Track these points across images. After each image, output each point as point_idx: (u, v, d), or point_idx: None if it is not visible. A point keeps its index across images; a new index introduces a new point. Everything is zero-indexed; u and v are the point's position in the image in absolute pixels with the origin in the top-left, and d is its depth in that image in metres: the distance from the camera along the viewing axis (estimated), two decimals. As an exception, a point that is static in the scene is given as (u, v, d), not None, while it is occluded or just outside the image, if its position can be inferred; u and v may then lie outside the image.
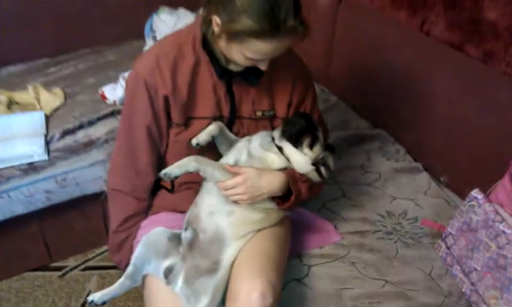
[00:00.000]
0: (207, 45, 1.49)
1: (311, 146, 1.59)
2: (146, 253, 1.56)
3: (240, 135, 1.63)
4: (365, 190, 2.20)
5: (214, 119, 1.58)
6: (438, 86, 2.15)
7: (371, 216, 2.06)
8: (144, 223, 1.71)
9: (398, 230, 2.01)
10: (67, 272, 2.78)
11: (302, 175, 1.58)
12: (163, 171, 1.46)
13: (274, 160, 1.57)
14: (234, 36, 1.34)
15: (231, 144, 1.61)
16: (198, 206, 1.59)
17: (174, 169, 1.47)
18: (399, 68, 2.31)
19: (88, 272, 2.53)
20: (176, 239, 1.58)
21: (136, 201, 1.69)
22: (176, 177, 1.48)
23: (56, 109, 2.61)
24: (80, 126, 2.43)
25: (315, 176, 1.61)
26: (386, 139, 2.51)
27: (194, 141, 1.56)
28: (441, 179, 2.25)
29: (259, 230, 1.57)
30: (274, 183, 1.53)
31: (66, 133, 2.42)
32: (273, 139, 1.59)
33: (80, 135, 2.41)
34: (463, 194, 1.93)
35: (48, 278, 2.64)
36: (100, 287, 2.59)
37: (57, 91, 2.97)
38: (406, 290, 1.70)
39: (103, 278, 2.53)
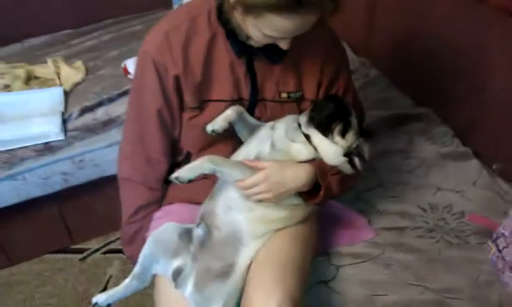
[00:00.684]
0: (223, 17, 1.35)
1: (343, 134, 1.43)
2: (154, 251, 1.47)
3: (263, 119, 1.50)
4: (405, 179, 2.04)
5: (233, 102, 1.45)
6: (494, 60, 1.99)
7: (411, 209, 1.90)
8: (157, 214, 1.62)
9: (441, 227, 1.85)
10: (88, 255, 2.72)
11: (332, 167, 1.44)
12: (174, 175, 1.36)
13: (301, 150, 1.44)
14: (249, 8, 1.21)
15: (252, 130, 1.48)
16: (214, 199, 1.47)
17: (186, 172, 1.36)
18: (449, 39, 2.16)
19: (109, 255, 2.49)
20: (187, 236, 1.48)
21: (148, 190, 1.60)
22: (190, 181, 1.37)
23: (77, 84, 2.55)
24: (100, 104, 2.34)
25: (347, 168, 1.46)
26: (432, 120, 2.34)
27: (209, 128, 1.44)
28: (494, 167, 2.07)
29: (280, 228, 1.44)
30: (300, 177, 1.40)
31: (85, 111, 2.35)
32: (300, 125, 1.45)
33: (100, 113, 2.33)
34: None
35: (70, 261, 2.55)
36: (122, 272, 2.53)
37: (79, 64, 2.87)
38: (447, 298, 1.56)
39: (124, 263, 2.47)
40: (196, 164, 1.35)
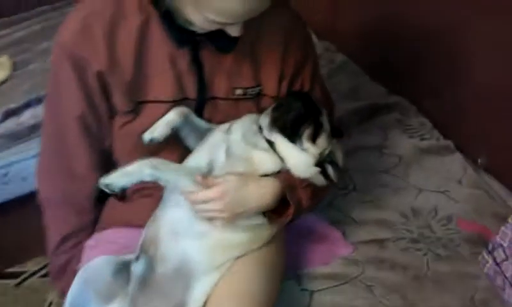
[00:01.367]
0: (159, -2, 1.16)
1: (313, 139, 1.31)
2: (84, 293, 1.29)
3: (215, 122, 1.37)
4: (382, 180, 1.92)
5: (175, 103, 1.30)
6: (475, 42, 1.90)
7: (391, 216, 1.77)
8: (89, 242, 1.45)
9: (427, 237, 1.72)
10: (25, 280, 2.42)
11: (302, 180, 1.32)
12: (104, 180, 1.21)
13: (264, 160, 1.31)
14: None
15: (202, 136, 1.35)
16: (157, 221, 1.31)
17: (119, 177, 1.21)
18: (425, 19, 2.07)
19: (49, 279, 2.11)
20: (125, 272, 1.31)
21: (75, 213, 1.44)
22: (124, 189, 1.26)
23: (1, 83, 2.13)
24: (27, 105, 2.08)
25: (319, 180, 1.34)
26: (406, 110, 2.23)
27: (147, 136, 1.29)
28: (479, 161, 1.97)
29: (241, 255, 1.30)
30: (264, 195, 1.29)
31: (9, 114, 2.04)
32: (261, 128, 1.33)
33: (26, 116, 2.10)
34: (506, 180, 1.81)
35: (3, 288, 2.37)
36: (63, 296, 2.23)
37: (3, 60, 2.58)
38: (440, 324, 1.38)
39: (66, 287, 2.05)
40: (134, 168, 1.19)
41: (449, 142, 2.06)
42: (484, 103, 1.92)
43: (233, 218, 1.25)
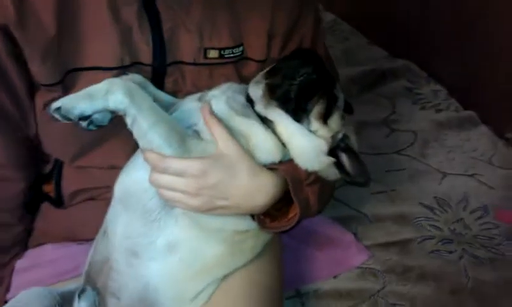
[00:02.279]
0: None
1: (325, 118, 1.13)
2: None
3: (180, 96, 1.22)
4: (394, 164, 1.78)
5: (122, 70, 1.16)
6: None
7: (412, 209, 1.62)
8: (20, 263, 1.30)
9: (460, 234, 1.55)
10: None
11: (309, 173, 1.15)
12: (55, 104, 1.05)
13: (261, 141, 1.13)
14: None
15: (164, 110, 1.16)
16: (108, 238, 1.16)
17: (77, 100, 1.05)
18: None
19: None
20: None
21: None
22: (84, 118, 1.06)
23: None
24: None
25: (332, 173, 1.16)
26: (415, 75, 2.15)
27: (84, 123, 1.09)
28: (509, 136, 1.85)
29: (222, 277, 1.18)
30: (257, 191, 1.11)
31: None
32: (251, 101, 1.16)
33: None
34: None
35: None
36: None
37: None
38: None
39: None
40: (101, 88, 1.05)
41: (471, 113, 1.95)
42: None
43: (205, 209, 1.09)
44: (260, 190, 1.11)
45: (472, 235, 1.55)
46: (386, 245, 1.53)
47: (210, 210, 1.09)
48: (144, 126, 1.05)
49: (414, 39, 2.20)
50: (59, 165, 1.24)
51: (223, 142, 1.08)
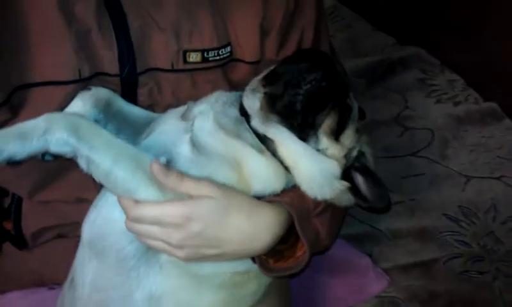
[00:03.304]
0: None
1: (337, 133, 1.00)
2: None
3: (158, 109, 1.10)
4: (410, 167, 1.71)
5: (81, 83, 1.03)
6: None
7: (434, 222, 1.54)
8: None
9: (492, 250, 1.48)
10: None
11: (317, 202, 1.02)
12: None
13: (257, 168, 0.99)
14: None
15: (138, 131, 1.06)
16: (74, 285, 1.02)
17: (8, 139, 0.88)
18: None
19: None
20: None
21: None
22: (13, 162, 0.90)
23: None
24: None
25: (346, 200, 1.02)
26: (428, 64, 2.05)
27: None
28: None
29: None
30: (255, 232, 0.97)
31: None
32: (246, 115, 1.02)
33: None
34: None
35: None
36: None
37: None
38: None
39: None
40: (36, 125, 0.90)
41: (493, 105, 1.88)
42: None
43: (194, 259, 0.98)
44: (259, 231, 0.98)
45: (505, 250, 1.47)
46: (408, 268, 1.45)
47: (200, 260, 0.98)
48: (104, 167, 0.91)
49: (424, 23, 2.10)
50: (17, 199, 1.12)
51: (201, 192, 0.94)
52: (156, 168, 0.93)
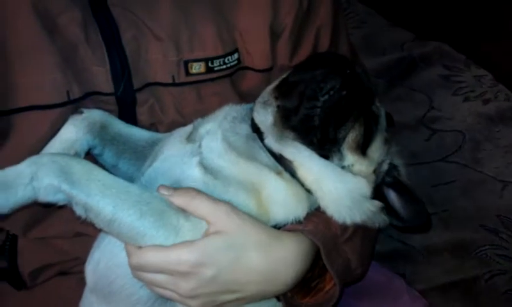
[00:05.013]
0: None
1: (363, 147, 0.92)
2: None
3: (162, 128, 1.02)
4: (442, 174, 1.65)
5: (71, 105, 0.95)
6: None
7: (472, 235, 1.48)
8: None
9: None
10: None
11: (346, 227, 0.93)
12: None
13: (276, 193, 0.90)
14: None
15: (140, 153, 0.99)
16: None
17: None
18: None
19: None
20: None
21: None
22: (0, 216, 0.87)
23: None
24: None
25: (379, 220, 0.92)
26: (452, 59, 1.97)
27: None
28: None
29: None
30: (277, 270, 0.89)
31: None
32: (259, 131, 0.93)
33: None
34: None
35: None
36: None
37: None
38: None
39: None
40: (20, 172, 0.82)
41: None
42: None
43: None
44: (281, 268, 0.90)
45: (556, 265, 1.33)
46: (446, 288, 1.39)
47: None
48: (105, 214, 0.82)
49: (445, 15, 2.04)
50: (11, 237, 1.05)
51: (214, 218, 0.85)
52: (166, 190, 0.86)
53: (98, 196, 0.83)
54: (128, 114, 1.02)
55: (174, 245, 0.86)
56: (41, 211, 1.00)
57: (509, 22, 1.86)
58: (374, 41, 2.10)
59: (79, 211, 0.85)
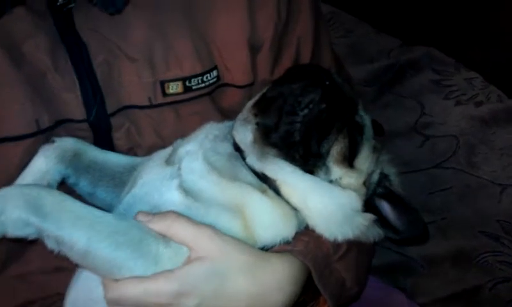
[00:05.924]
0: None
1: (350, 158, 0.88)
2: None
3: (140, 152, 0.98)
4: (438, 181, 1.63)
5: (41, 136, 0.91)
6: None
7: (471, 242, 1.48)
8: None
9: None
10: None
11: (339, 244, 0.89)
12: None
13: (259, 208, 0.86)
14: None
15: (117, 180, 0.96)
16: None
17: None
18: None
19: None
20: None
21: None
22: None
23: None
24: None
25: (373, 234, 0.89)
26: (441, 63, 1.97)
27: None
28: None
29: None
30: (265, 296, 0.85)
31: None
32: (239, 150, 0.90)
33: None
34: None
35: None
36: None
37: None
38: None
39: None
40: None
41: None
42: None
43: None
44: (270, 292, 0.86)
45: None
46: (449, 301, 1.37)
47: None
48: (79, 247, 0.78)
49: (430, 20, 2.04)
50: None
51: (196, 243, 0.82)
52: (144, 216, 0.82)
53: (71, 228, 0.80)
54: (104, 140, 0.98)
55: (153, 276, 0.82)
56: (17, 246, 0.96)
57: (495, 23, 1.86)
58: (361, 50, 2.09)
59: (50, 244, 0.81)
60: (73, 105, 0.93)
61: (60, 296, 0.99)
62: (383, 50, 2.07)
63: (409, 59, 2.00)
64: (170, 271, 0.83)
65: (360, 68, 1.98)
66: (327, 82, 0.89)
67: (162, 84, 0.96)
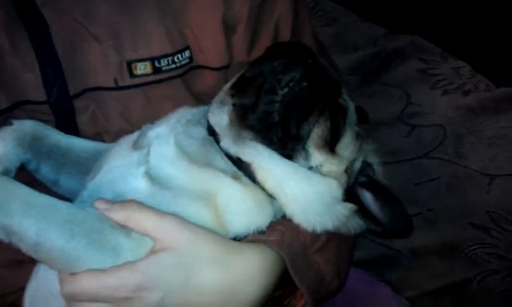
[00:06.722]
0: None
1: (332, 143, 0.83)
2: None
3: (107, 137, 0.94)
4: (425, 171, 1.61)
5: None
6: None
7: (460, 234, 1.46)
8: None
9: None
10: None
11: (317, 235, 0.83)
12: None
13: (233, 201, 0.82)
14: None
15: (82, 165, 0.92)
16: None
17: None
18: None
19: None
20: None
21: None
22: None
23: None
24: None
25: (354, 225, 0.83)
26: (428, 52, 1.97)
27: None
28: None
29: None
30: (237, 289, 0.81)
31: None
32: (214, 133, 0.85)
33: None
34: None
35: None
36: None
37: None
38: None
39: None
40: None
41: (508, 90, 1.77)
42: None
43: None
44: (242, 284, 0.81)
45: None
46: (437, 294, 1.34)
47: None
48: (29, 237, 0.74)
49: (416, 8, 2.04)
50: None
51: (160, 233, 0.77)
52: (103, 204, 0.78)
53: (20, 216, 0.76)
54: (67, 124, 0.95)
55: (112, 268, 0.78)
56: None
57: (483, 12, 1.87)
58: (346, 38, 2.08)
59: (0, 235, 0.77)
60: (32, 85, 0.91)
61: (24, 291, 0.98)
62: (369, 39, 2.08)
63: (395, 48, 2.00)
64: (132, 263, 0.79)
65: (344, 57, 1.98)
66: (309, 61, 0.86)
67: (129, 64, 0.93)
